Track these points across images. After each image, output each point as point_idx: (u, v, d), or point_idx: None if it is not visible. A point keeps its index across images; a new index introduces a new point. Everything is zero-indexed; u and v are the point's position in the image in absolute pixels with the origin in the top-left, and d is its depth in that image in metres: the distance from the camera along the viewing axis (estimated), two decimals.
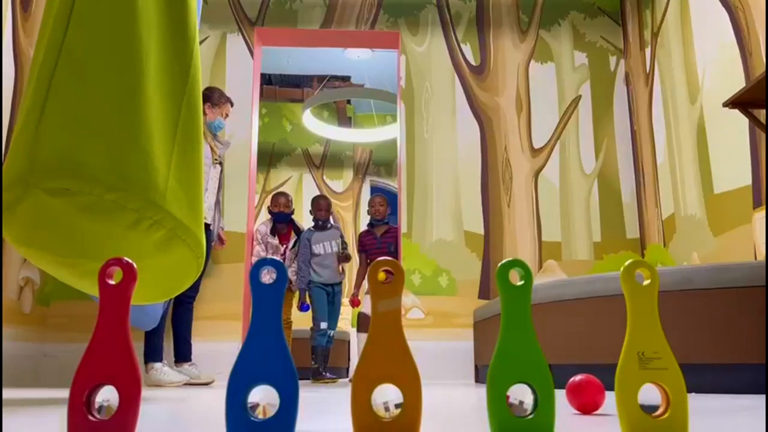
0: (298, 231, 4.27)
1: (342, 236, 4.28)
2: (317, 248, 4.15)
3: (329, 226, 4.24)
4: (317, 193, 6.44)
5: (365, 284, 4.21)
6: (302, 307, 4.07)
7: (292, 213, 4.30)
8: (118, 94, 1.57)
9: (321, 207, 4.21)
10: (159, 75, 1.66)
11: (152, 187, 1.54)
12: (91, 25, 1.58)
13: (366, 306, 4.14)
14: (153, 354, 3.49)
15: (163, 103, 1.67)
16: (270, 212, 4.26)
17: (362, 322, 4.15)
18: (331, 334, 4.08)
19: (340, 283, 4.20)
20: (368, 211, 4.29)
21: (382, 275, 0.82)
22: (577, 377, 1.32)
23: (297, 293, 4.13)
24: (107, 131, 1.53)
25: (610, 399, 0.84)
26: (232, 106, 4.01)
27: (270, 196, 4.53)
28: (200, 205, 1.74)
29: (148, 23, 1.66)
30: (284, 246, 4.19)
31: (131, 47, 1.61)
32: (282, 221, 4.23)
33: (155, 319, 2.72)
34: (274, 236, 4.20)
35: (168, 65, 1.71)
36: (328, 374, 3.95)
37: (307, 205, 4.43)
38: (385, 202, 4.29)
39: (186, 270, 1.76)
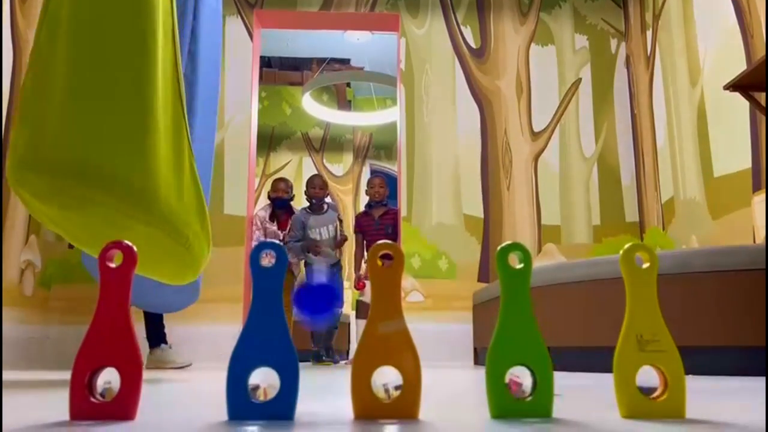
0: None
1: (340, 218, 4.17)
2: (314, 233, 4.03)
3: (326, 207, 4.12)
4: None
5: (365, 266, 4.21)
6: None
7: (292, 198, 4.25)
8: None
9: (315, 185, 4.08)
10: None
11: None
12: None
13: (366, 294, 4.13)
14: (161, 337, 3.56)
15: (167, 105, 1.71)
16: (269, 198, 4.22)
17: (361, 309, 4.15)
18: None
19: (338, 262, 4.15)
20: (367, 192, 4.23)
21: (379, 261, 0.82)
22: None
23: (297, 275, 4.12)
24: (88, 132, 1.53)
25: (608, 380, 0.85)
26: None
27: (270, 181, 4.51)
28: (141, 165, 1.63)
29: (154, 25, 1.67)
30: (283, 232, 4.16)
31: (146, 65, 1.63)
32: (281, 207, 4.18)
33: (193, 297, 2.58)
34: (273, 222, 4.16)
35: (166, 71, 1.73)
36: (325, 357, 3.96)
37: None
38: (385, 184, 4.23)
39: (160, 243, 1.67)
